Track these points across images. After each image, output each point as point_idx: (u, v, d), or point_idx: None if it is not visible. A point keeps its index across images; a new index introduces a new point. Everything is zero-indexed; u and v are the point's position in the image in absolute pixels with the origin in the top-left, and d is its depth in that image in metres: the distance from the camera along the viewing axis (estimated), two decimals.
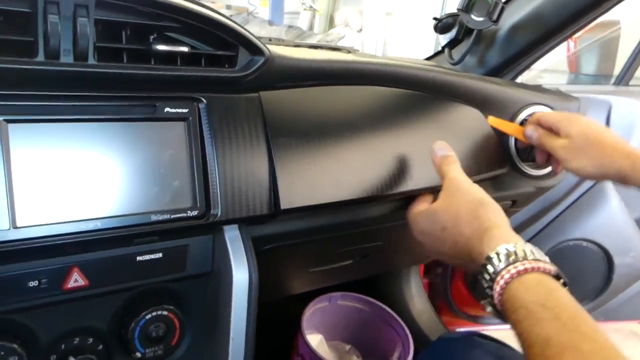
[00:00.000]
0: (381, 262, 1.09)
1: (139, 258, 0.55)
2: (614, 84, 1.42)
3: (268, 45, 0.63)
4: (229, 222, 0.58)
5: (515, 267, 0.52)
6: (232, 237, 0.59)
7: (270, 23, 5.32)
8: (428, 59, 1.28)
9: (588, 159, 0.75)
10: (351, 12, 4.90)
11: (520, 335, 0.49)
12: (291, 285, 0.99)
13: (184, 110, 0.55)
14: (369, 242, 0.84)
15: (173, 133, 0.55)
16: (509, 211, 1.05)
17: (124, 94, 0.52)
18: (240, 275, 0.58)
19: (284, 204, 0.59)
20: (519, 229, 1.40)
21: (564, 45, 1.63)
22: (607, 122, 1.32)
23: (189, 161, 0.55)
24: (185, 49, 0.54)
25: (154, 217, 0.53)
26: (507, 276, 0.52)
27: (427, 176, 0.74)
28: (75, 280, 0.52)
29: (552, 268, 0.53)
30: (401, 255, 1.10)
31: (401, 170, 0.71)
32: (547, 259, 0.54)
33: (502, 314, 0.54)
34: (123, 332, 0.57)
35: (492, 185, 0.94)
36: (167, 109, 0.54)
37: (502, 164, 0.89)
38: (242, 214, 0.57)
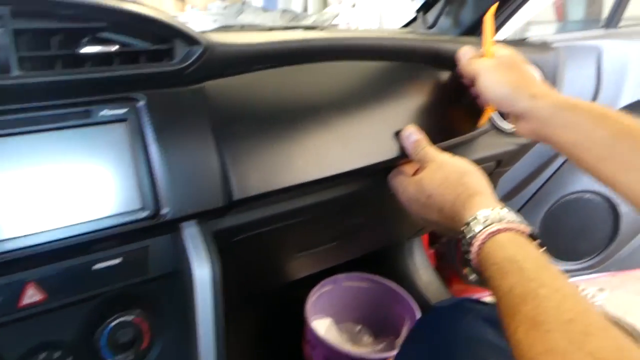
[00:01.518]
0: (372, 239, 1.08)
1: (97, 265, 0.54)
2: (603, 27, 1.36)
3: (232, 34, 0.61)
4: (183, 219, 0.56)
5: (491, 228, 0.55)
6: (191, 234, 0.57)
7: (265, 9, 5.27)
8: (405, 26, 1.25)
9: (507, 76, 0.72)
10: None
11: (492, 291, 0.51)
12: (284, 272, 0.98)
13: (122, 111, 0.54)
14: (348, 221, 0.83)
15: (113, 135, 0.53)
16: (496, 172, 1.03)
17: (56, 102, 0.51)
18: (202, 271, 0.57)
19: (237, 194, 0.58)
20: (519, 187, 1.37)
21: None
22: (598, 69, 1.28)
23: (134, 162, 0.54)
24: (113, 47, 0.53)
25: (105, 223, 0.52)
26: (482, 237, 0.55)
27: (395, 147, 0.72)
28: (32, 296, 0.51)
29: (526, 228, 0.55)
30: (391, 229, 1.08)
31: (366, 144, 0.69)
32: (524, 221, 0.56)
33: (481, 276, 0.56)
34: (90, 342, 0.56)
35: (473, 147, 0.92)
36: (103, 112, 0.53)
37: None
38: (195, 209, 0.56)
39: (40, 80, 0.50)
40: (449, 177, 0.65)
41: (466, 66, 0.79)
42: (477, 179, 0.64)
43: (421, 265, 1.40)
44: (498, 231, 0.54)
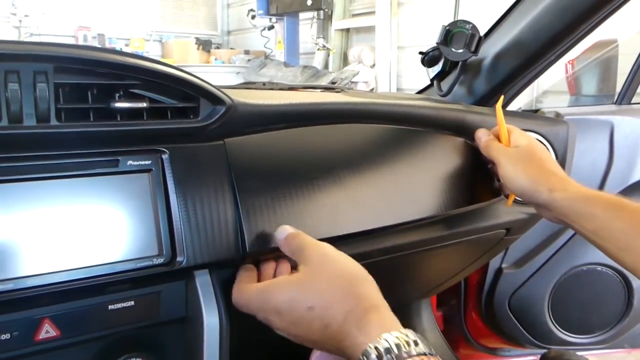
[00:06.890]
0: None
1: (110, 307, 0.57)
2: (615, 103, 1.39)
3: (254, 92, 0.65)
4: (197, 267, 0.59)
5: None
6: (203, 282, 0.60)
7: (286, 65, 5.47)
8: (420, 92, 1.30)
9: (526, 170, 0.75)
10: (364, 49, 4.98)
11: None
12: None
13: (147, 162, 0.58)
14: None
15: (138, 184, 0.57)
16: (506, 240, 1.04)
17: (88, 151, 0.55)
18: (211, 319, 0.58)
19: (250, 247, 0.61)
20: (528, 255, 1.37)
21: (562, 67, 1.63)
22: (611, 143, 1.30)
23: (154, 211, 0.57)
24: (144, 104, 0.57)
25: (121, 267, 0.55)
26: None
27: (411, 210, 0.74)
28: (47, 332, 0.53)
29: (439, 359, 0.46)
30: (399, 290, 1.09)
31: (379, 206, 0.72)
32: (432, 349, 0.47)
33: None
34: None
35: (484, 213, 0.93)
36: (130, 162, 0.57)
37: (496, 192, 0.89)
38: (209, 259, 0.59)
39: (75, 130, 0.54)
40: (335, 282, 0.53)
41: (485, 149, 0.81)
42: (370, 286, 0.54)
43: (428, 327, 1.38)
44: None
